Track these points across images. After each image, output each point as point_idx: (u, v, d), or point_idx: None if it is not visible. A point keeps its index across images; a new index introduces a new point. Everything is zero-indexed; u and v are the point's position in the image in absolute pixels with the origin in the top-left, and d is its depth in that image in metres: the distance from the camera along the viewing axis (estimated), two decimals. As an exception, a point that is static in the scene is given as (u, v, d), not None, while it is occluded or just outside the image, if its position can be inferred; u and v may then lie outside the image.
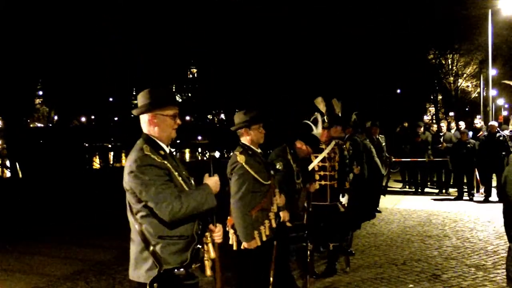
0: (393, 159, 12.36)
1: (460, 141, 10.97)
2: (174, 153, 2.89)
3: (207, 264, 2.66)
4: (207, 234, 2.69)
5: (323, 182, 5.48)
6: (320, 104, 5.64)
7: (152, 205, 2.48)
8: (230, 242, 3.83)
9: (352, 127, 7.73)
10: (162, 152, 2.63)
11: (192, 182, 2.75)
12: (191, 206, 2.49)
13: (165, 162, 2.58)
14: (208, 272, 2.67)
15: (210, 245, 2.69)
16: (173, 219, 2.47)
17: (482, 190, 11.10)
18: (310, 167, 5.39)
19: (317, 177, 5.44)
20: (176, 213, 2.46)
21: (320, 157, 5.47)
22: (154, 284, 2.47)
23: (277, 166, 4.42)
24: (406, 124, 14.38)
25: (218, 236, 2.72)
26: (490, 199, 10.55)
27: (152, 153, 2.57)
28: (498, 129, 10.98)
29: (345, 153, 6.24)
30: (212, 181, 2.66)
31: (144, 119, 2.70)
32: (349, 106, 7.01)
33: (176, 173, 2.61)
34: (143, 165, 2.51)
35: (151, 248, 2.51)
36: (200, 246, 2.65)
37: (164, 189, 2.48)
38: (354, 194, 6.78)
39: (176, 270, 2.52)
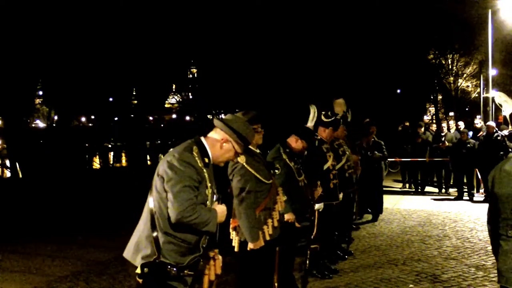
0: (393, 159, 12.37)
1: (460, 141, 10.98)
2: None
3: (206, 277, 2.71)
4: (213, 250, 2.75)
5: (335, 181, 5.50)
6: (339, 105, 5.66)
7: (170, 197, 2.54)
8: (233, 244, 3.82)
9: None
10: (206, 160, 2.71)
11: (215, 198, 2.80)
12: (199, 219, 2.55)
13: (204, 170, 2.66)
14: (206, 285, 2.71)
15: (211, 261, 2.73)
16: (178, 221, 2.52)
17: (482, 190, 11.10)
18: (325, 167, 5.39)
19: (331, 176, 5.45)
20: (184, 218, 2.51)
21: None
22: (145, 269, 2.53)
23: (277, 168, 4.40)
24: (407, 124, 14.39)
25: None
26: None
27: (198, 156, 2.65)
28: (496, 129, 10.98)
29: (346, 153, 6.26)
30: (220, 209, 2.72)
31: (220, 133, 2.80)
32: (349, 105, 7.01)
33: (209, 185, 2.69)
34: (185, 160, 2.59)
35: (155, 234, 2.58)
36: (202, 260, 2.70)
37: (187, 191, 2.54)
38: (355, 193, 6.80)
39: (169, 266, 2.56)
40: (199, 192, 2.61)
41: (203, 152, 2.71)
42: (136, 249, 2.64)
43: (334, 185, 5.48)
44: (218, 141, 2.78)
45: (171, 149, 2.72)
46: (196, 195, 2.57)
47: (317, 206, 4.97)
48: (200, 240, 2.67)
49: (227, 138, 2.78)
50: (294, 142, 4.61)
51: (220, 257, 2.78)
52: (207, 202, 2.68)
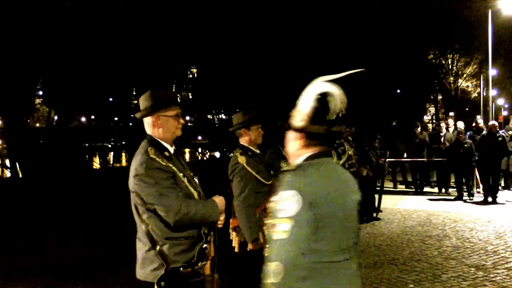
0: (391, 160, 12.37)
1: (457, 141, 10.96)
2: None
3: (208, 263, 2.72)
4: (211, 233, 2.76)
5: None
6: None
7: (158, 208, 2.51)
8: (233, 244, 3.82)
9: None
10: (167, 154, 2.66)
11: (197, 181, 2.79)
12: (199, 213, 2.55)
13: (170, 164, 2.62)
14: (208, 271, 2.72)
15: (211, 244, 2.75)
16: (178, 222, 2.51)
17: (480, 189, 11.09)
18: None
19: None
20: (183, 216, 2.50)
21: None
22: (162, 283, 2.50)
23: (285, 166, 4.42)
24: (395, 123, 14.40)
25: (220, 222, 2.77)
26: (488, 199, 10.56)
27: (157, 156, 2.60)
28: (498, 129, 10.99)
29: (347, 152, 6.26)
30: (219, 200, 2.72)
31: (148, 121, 2.73)
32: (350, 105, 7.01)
33: (181, 174, 2.66)
34: (149, 168, 2.54)
35: (158, 248, 2.54)
36: (206, 245, 2.71)
37: (169, 193, 2.52)
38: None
39: (182, 268, 2.55)
40: (179, 188, 2.59)
41: (159, 148, 2.66)
42: (143, 265, 2.62)
43: None
44: (154, 126, 2.70)
45: (132, 160, 2.66)
46: (178, 191, 2.56)
47: None
48: (200, 229, 2.67)
49: (154, 116, 2.69)
50: None
51: (212, 238, 2.78)
52: (191, 191, 2.66)
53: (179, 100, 3.06)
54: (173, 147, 2.77)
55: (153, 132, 2.72)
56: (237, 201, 3.69)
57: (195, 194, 2.69)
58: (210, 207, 2.63)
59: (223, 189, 3.66)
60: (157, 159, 2.58)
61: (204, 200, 2.69)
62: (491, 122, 11.20)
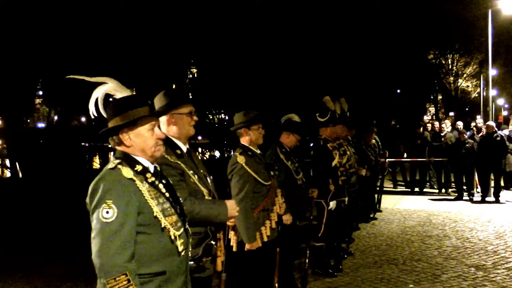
0: (391, 160, 12.37)
1: (458, 141, 10.97)
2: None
3: (219, 260, 2.76)
4: (221, 231, 2.81)
5: (343, 178, 5.54)
6: (329, 102, 5.70)
7: None
8: (231, 243, 3.83)
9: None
10: (178, 152, 2.75)
11: (209, 180, 2.85)
12: (202, 213, 2.60)
13: (179, 162, 2.69)
14: (219, 267, 2.76)
15: (221, 242, 2.80)
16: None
17: (478, 189, 11.08)
18: (333, 163, 5.44)
19: (338, 173, 5.50)
20: (188, 214, 2.52)
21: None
22: None
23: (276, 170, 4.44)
24: (394, 122, 14.37)
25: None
26: (487, 199, 10.57)
27: (167, 153, 2.67)
28: (496, 129, 10.99)
29: (347, 152, 6.27)
30: (231, 203, 2.75)
31: (162, 120, 2.81)
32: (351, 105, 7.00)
33: (190, 172, 2.72)
34: (157, 163, 2.59)
35: None
36: (214, 242, 2.75)
37: (177, 190, 2.55)
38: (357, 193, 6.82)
39: None
40: (185, 185, 2.65)
41: (172, 146, 2.74)
42: None
43: (342, 182, 5.54)
44: (169, 124, 2.80)
45: None
46: (184, 188, 2.62)
47: (331, 204, 5.04)
48: (207, 226, 2.72)
49: (168, 115, 2.78)
50: (287, 138, 4.67)
51: (222, 237, 2.84)
52: (200, 189, 2.71)
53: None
54: (187, 146, 2.84)
55: (168, 131, 2.80)
56: (235, 200, 3.70)
57: (205, 192, 2.74)
58: (217, 208, 2.66)
59: (223, 189, 3.67)
60: (166, 155, 2.65)
61: (211, 200, 2.73)
62: (487, 123, 11.22)
